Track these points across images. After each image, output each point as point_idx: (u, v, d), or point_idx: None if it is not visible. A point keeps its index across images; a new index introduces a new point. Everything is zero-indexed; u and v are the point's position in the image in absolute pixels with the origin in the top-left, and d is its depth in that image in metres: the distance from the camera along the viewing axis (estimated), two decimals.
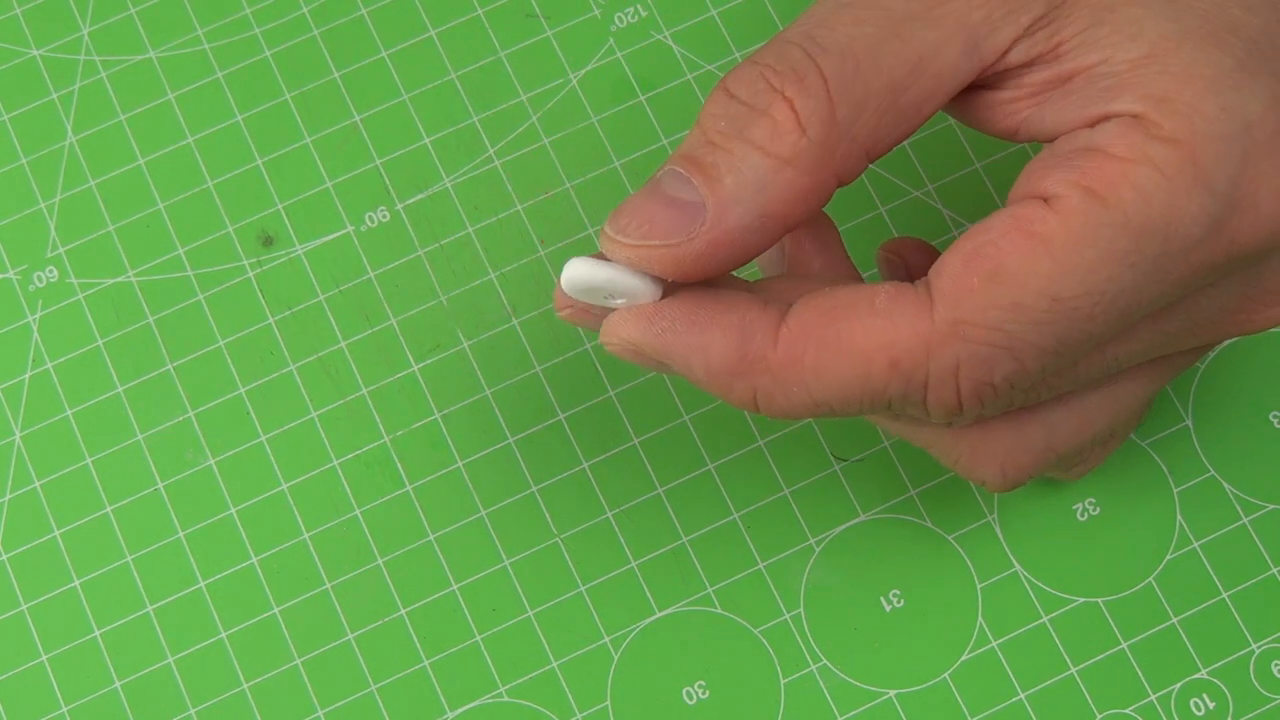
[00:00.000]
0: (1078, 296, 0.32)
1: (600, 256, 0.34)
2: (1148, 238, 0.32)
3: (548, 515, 0.44)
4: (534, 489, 0.44)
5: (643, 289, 0.34)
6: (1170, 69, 0.32)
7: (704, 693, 0.42)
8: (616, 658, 0.43)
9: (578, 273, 0.34)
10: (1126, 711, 0.42)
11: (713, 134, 0.34)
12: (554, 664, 0.43)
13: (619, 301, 0.34)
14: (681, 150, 0.34)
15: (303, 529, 0.44)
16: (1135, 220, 0.32)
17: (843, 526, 0.44)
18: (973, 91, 0.35)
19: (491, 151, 0.46)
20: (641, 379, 0.45)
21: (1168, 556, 0.43)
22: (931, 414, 0.34)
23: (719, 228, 0.33)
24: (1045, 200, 0.32)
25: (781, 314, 0.34)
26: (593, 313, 0.35)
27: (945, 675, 0.42)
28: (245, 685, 0.43)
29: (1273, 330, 0.44)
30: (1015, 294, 0.32)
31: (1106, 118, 0.33)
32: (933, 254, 0.39)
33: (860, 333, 0.33)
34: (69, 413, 0.44)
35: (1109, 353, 0.35)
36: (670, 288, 0.34)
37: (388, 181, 0.46)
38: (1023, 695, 0.42)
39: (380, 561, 0.44)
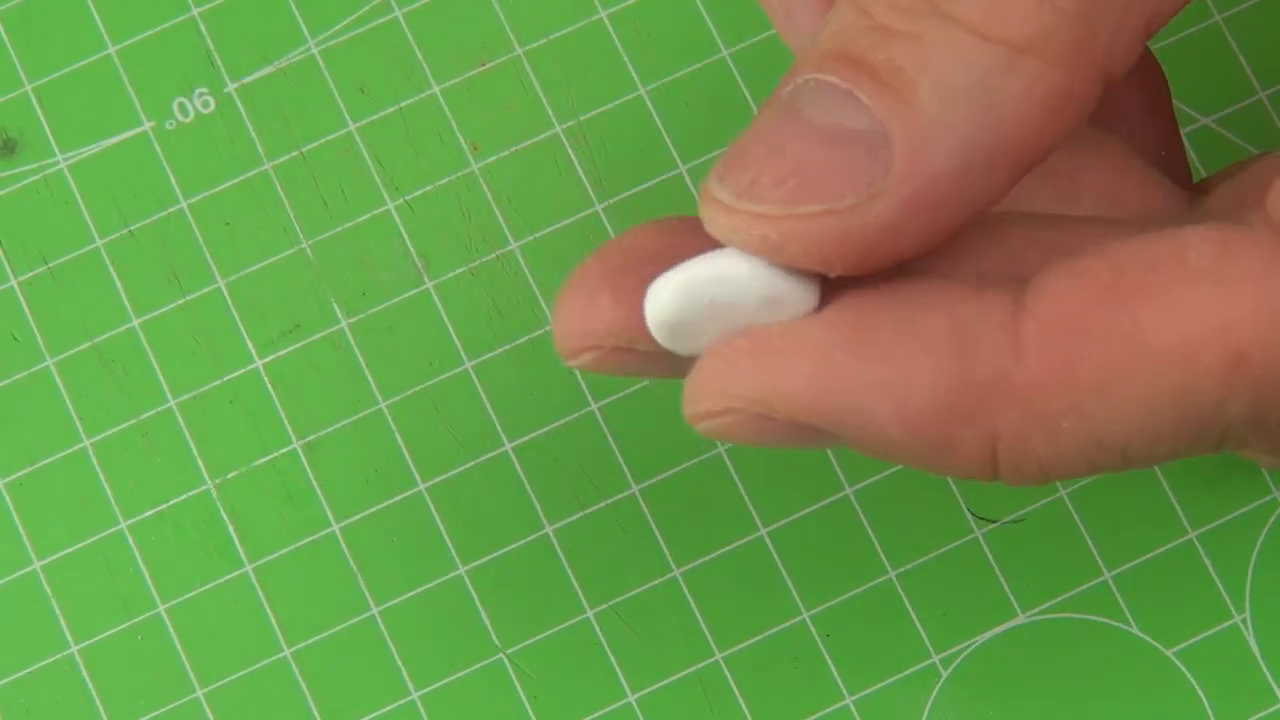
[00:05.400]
0: None
1: (697, 254, 0.30)
2: None
3: (484, 615, 0.37)
4: (461, 570, 0.37)
5: (788, 298, 0.29)
6: None
7: None
8: None
9: (675, 299, 0.29)
10: None
11: (885, 8, 0.30)
12: None
13: (738, 325, 0.29)
14: (829, 42, 0.29)
15: (69, 639, 0.38)
16: None
17: (989, 634, 0.37)
18: None
19: None
20: (640, 383, 0.40)
21: None
22: None
23: (919, 174, 0.28)
24: None
25: (1015, 297, 0.29)
26: (646, 353, 0.30)
27: None
28: None
29: None
30: None
31: None
32: None
33: (1172, 313, 0.28)
34: None
35: None
36: (830, 293, 0.30)
37: (211, 46, 0.41)
38: None
39: (200, 694, 0.37)
